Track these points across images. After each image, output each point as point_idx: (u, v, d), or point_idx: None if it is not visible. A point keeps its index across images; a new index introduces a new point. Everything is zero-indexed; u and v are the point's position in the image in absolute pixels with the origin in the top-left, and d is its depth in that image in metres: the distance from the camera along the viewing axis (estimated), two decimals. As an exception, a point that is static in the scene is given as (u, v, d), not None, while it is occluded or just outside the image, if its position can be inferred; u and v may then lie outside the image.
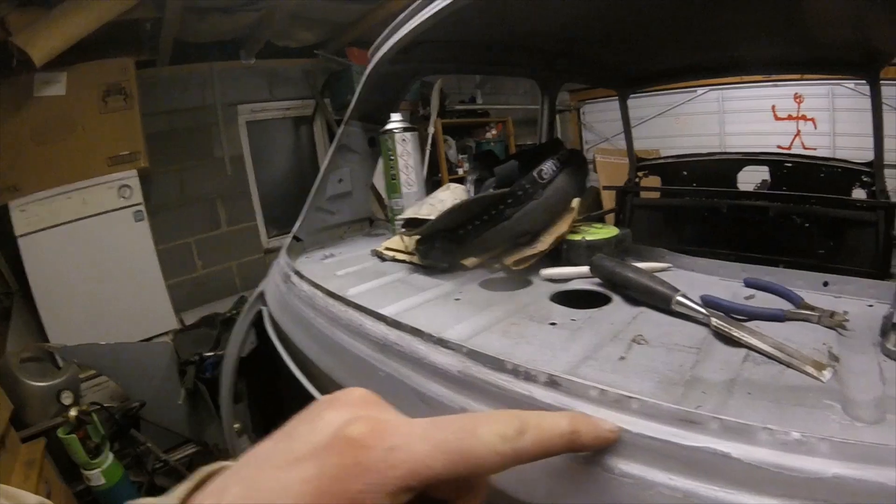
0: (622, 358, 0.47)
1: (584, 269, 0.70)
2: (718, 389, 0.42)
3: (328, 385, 0.62)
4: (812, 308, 0.56)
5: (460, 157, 4.16)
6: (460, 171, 3.98)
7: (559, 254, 0.77)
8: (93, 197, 2.64)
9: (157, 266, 2.86)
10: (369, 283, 0.81)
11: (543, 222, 0.77)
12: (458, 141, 4.20)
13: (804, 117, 3.89)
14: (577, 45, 1.33)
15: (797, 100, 3.87)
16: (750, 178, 2.39)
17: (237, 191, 3.51)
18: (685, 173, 2.40)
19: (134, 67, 2.79)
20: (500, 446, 0.24)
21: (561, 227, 0.76)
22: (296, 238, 1.24)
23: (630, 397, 0.33)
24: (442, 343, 0.46)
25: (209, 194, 3.39)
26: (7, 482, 1.53)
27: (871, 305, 0.62)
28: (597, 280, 0.68)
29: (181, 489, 0.26)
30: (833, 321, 0.54)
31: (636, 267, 0.62)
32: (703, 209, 2.19)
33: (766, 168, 2.18)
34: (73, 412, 1.94)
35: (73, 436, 1.91)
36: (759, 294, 0.64)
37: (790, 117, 3.94)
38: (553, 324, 0.56)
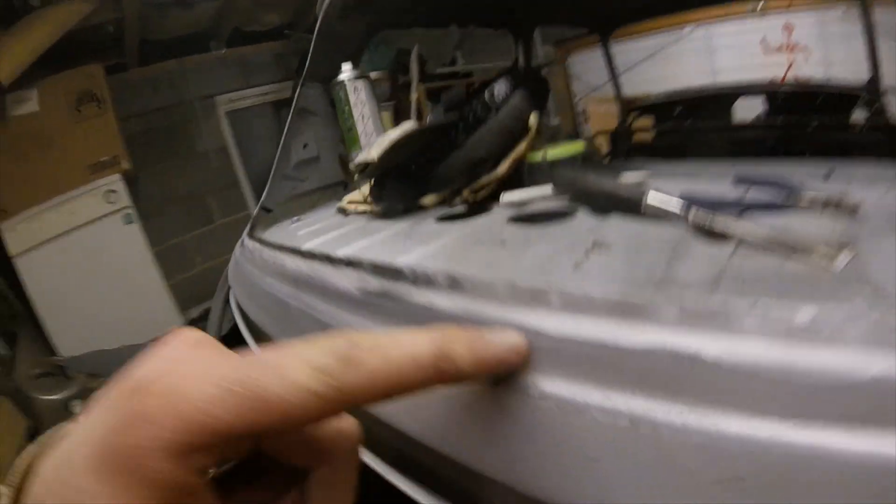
0: (577, 266, 0.38)
1: (547, 188, 0.60)
2: (700, 286, 0.32)
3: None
4: (816, 195, 0.46)
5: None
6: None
7: (521, 178, 0.68)
8: (80, 206, 2.61)
9: (154, 266, 2.83)
10: (325, 237, 0.75)
11: (500, 146, 0.68)
12: (444, 105, 4.07)
13: (796, 47, 3.70)
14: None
15: (787, 30, 3.68)
16: (746, 116, 2.26)
17: (226, 182, 3.44)
18: (678, 111, 2.28)
19: (103, 72, 2.74)
20: (313, 384, 0.17)
21: (519, 148, 0.66)
22: (265, 209, 1.18)
23: (547, 290, 0.23)
24: (346, 263, 0.38)
25: (198, 190, 3.33)
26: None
27: (885, 192, 0.52)
28: (563, 198, 0.59)
29: (27, 452, 0.20)
30: (843, 206, 0.44)
31: (602, 173, 0.52)
32: (699, 145, 2.06)
33: (761, 103, 2.05)
34: (81, 420, 1.95)
35: (86, 444, 1.92)
36: (753, 191, 0.54)
37: (781, 48, 3.76)
38: (503, 242, 0.47)
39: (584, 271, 0.37)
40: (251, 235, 0.76)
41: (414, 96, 3.46)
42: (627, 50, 3.96)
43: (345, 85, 1.04)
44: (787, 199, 0.46)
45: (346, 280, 0.37)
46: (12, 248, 2.43)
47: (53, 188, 2.53)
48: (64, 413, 2.06)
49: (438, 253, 0.49)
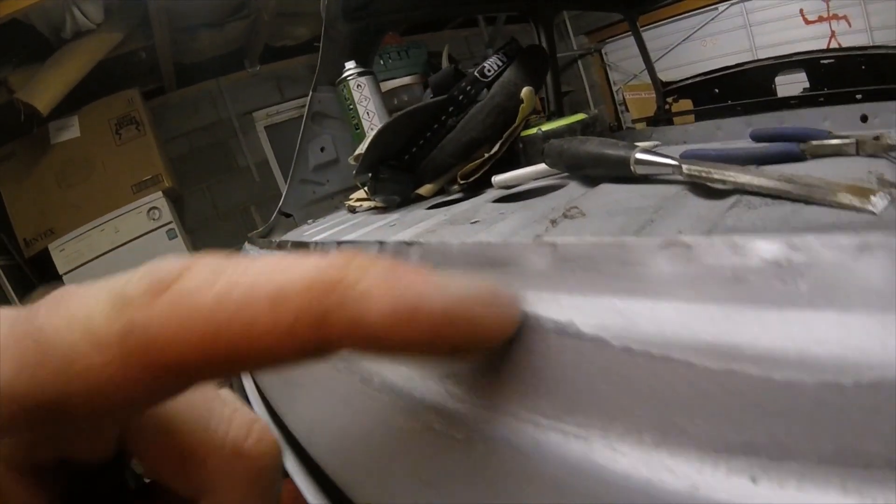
0: (538, 236, 0.32)
1: (542, 166, 0.54)
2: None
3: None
4: (845, 136, 0.39)
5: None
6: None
7: (518, 158, 0.62)
8: (124, 224, 2.70)
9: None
10: (324, 234, 0.71)
11: (494, 125, 0.63)
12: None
13: (835, 16, 3.50)
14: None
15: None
16: (789, 92, 2.13)
17: (269, 195, 3.50)
18: (717, 90, 2.17)
19: (140, 96, 2.85)
20: (101, 324, 0.10)
21: (511, 126, 0.61)
22: (284, 214, 1.18)
23: (411, 243, 0.18)
24: (315, 245, 0.34)
25: (242, 203, 3.41)
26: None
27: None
28: (558, 175, 0.53)
29: None
30: (879, 145, 0.37)
31: (592, 139, 0.46)
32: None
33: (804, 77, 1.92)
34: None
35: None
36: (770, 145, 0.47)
37: (821, 18, 3.56)
38: (475, 222, 0.42)
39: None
40: (249, 239, 0.74)
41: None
42: (664, 34, 3.84)
43: (347, 82, 1.02)
44: (812, 144, 0.40)
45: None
46: (61, 266, 2.54)
47: (98, 208, 2.63)
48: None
49: (410, 237, 0.45)
